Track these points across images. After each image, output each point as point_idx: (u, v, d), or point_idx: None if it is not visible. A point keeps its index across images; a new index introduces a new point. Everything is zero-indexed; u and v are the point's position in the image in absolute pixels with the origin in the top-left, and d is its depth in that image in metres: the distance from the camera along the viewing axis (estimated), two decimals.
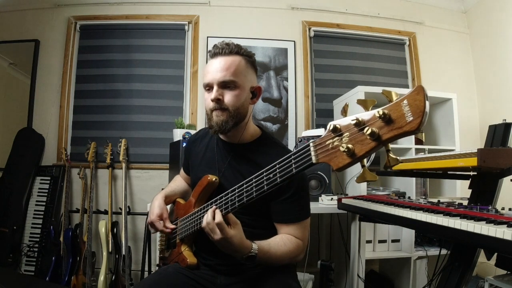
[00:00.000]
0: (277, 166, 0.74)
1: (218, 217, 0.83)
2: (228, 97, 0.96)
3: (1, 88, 2.67)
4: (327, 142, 0.63)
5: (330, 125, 0.62)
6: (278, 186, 0.74)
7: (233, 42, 1.01)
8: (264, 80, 2.65)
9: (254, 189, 0.79)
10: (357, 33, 2.79)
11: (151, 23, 2.66)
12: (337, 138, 0.61)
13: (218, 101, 0.96)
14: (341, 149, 0.59)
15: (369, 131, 0.55)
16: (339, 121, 0.61)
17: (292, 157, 0.70)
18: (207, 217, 0.86)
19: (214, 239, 0.85)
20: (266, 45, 2.69)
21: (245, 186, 0.82)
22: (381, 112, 0.54)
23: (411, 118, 0.51)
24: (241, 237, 0.86)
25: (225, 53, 0.98)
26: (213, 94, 0.96)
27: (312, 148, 0.66)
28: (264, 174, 0.77)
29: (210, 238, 0.86)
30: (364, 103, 0.59)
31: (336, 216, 2.18)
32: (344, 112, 0.64)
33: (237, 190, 0.83)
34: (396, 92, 0.56)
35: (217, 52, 0.99)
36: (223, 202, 0.87)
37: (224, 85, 0.96)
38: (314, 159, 0.65)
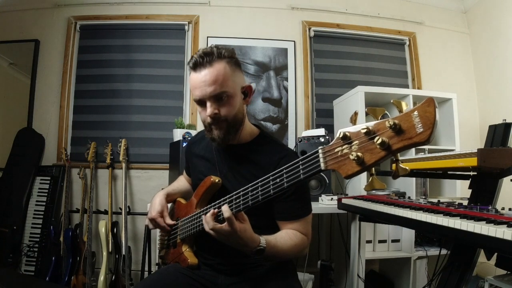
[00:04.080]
0: (284, 171, 0.73)
1: (228, 213, 0.81)
2: (224, 109, 0.94)
3: (1, 88, 2.67)
4: (336, 149, 0.63)
5: (340, 132, 0.62)
6: (285, 190, 0.74)
7: (211, 47, 0.95)
8: (264, 80, 2.65)
9: (260, 193, 0.78)
10: (357, 33, 2.79)
11: (151, 23, 2.66)
12: (346, 145, 0.62)
13: (215, 115, 0.94)
14: (351, 157, 0.59)
15: (380, 140, 0.56)
16: (349, 129, 0.62)
17: (300, 162, 0.70)
18: (208, 223, 0.84)
19: (224, 234, 0.82)
20: (266, 45, 2.69)
21: (250, 189, 0.81)
22: (391, 122, 0.55)
23: (421, 130, 0.52)
24: (251, 232, 0.85)
25: (207, 62, 0.92)
26: (209, 110, 0.93)
27: (321, 155, 0.66)
28: (271, 178, 0.76)
29: (218, 237, 0.83)
30: (374, 112, 0.61)
31: (336, 216, 2.18)
32: (353, 121, 0.63)
33: (242, 193, 0.83)
34: (406, 102, 0.57)
35: (199, 63, 0.92)
36: (228, 205, 0.85)
37: (216, 98, 0.93)
38: (322, 166, 0.65)
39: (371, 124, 0.59)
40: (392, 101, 0.59)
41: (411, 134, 0.53)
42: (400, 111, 0.57)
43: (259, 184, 0.79)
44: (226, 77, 0.93)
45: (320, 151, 0.66)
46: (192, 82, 0.95)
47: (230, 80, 0.94)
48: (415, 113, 0.53)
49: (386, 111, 0.63)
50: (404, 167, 0.58)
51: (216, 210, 0.86)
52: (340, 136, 0.62)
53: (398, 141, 0.55)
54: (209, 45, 0.99)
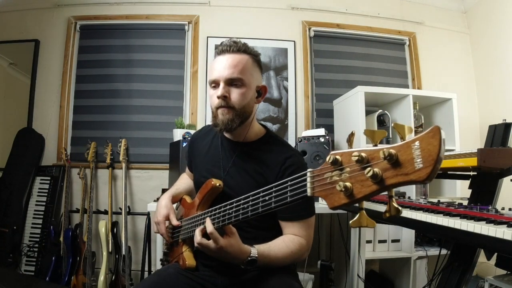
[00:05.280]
0: (274, 189, 0.70)
1: (210, 228, 0.84)
2: (235, 95, 0.96)
3: (1, 88, 2.67)
4: (325, 175, 0.57)
5: (330, 156, 0.55)
6: (273, 210, 0.71)
7: (241, 41, 1.01)
8: (264, 80, 2.65)
9: (250, 208, 0.77)
10: (357, 33, 2.79)
11: (151, 23, 2.65)
12: (336, 172, 0.55)
13: (224, 98, 0.96)
14: (338, 188, 0.53)
15: (371, 172, 0.49)
16: (341, 153, 0.55)
17: (289, 183, 0.66)
18: (196, 238, 0.87)
19: (210, 251, 0.85)
20: (266, 45, 2.69)
21: (242, 202, 0.79)
22: (386, 153, 0.47)
23: (420, 166, 0.44)
24: (238, 245, 0.86)
25: (232, 50, 0.98)
26: (220, 90, 0.96)
27: (309, 179, 0.61)
28: (261, 194, 0.74)
29: (207, 252, 0.87)
30: (372, 135, 0.53)
31: (336, 216, 2.18)
32: (349, 142, 0.58)
33: (235, 204, 0.82)
34: (410, 127, 0.50)
35: (224, 49, 0.98)
36: (221, 214, 0.86)
37: (231, 82, 0.97)
38: (309, 192, 0.60)
39: (364, 151, 0.51)
40: (392, 124, 0.53)
41: (408, 170, 0.46)
42: (402, 137, 0.49)
43: (250, 198, 0.77)
44: (246, 68, 0.98)
45: (308, 174, 0.61)
46: (213, 64, 1.00)
47: (248, 72, 0.98)
48: (416, 144, 0.45)
49: (387, 135, 0.57)
50: (397, 206, 0.51)
51: (202, 227, 0.87)
52: (330, 160, 0.55)
53: (392, 175, 0.47)
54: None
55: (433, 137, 0.44)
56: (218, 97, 0.96)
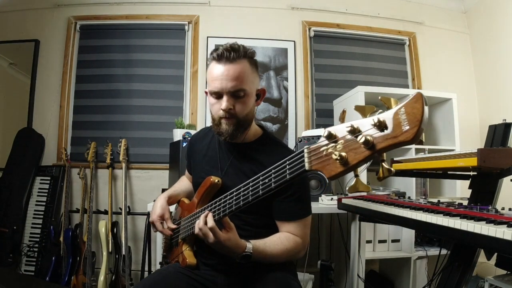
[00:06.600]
0: (273, 171, 0.73)
1: (210, 222, 0.85)
2: (239, 106, 0.96)
3: (1, 88, 2.67)
4: (321, 149, 0.60)
5: (325, 131, 0.60)
6: (273, 191, 0.73)
7: (237, 43, 0.98)
8: (264, 80, 2.65)
9: (250, 193, 0.79)
10: (357, 33, 2.79)
11: (151, 23, 2.66)
12: (331, 145, 0.59)
13: (230, 110, 0.96)
14: (334, 156, 0.56)
15: (363, 139, 0.53)
16: (335, 128, 0.59)
17: (287, 162, 0.69)
18: (198, 223, 0.88)
19: (208, 242, 0.87)
20: (266, 45, 2.69)
21: (242, 189, 0.82)
22: (376, 120, 0.52)
23: (407, 128, 0.49)
24: (236, 239, 0.88)
25: (233, 58, 0.94)
26: (225, 104, 0.94)
27: (306, 154, 0.63)
28: (260, 178, 0.76)
29: (205, 241, 0.89)
30: (362, 110, 0.58)
31: (336, 216, 2.18)
32: (342, 119, 0.61)
33: (234, 194, 0.84)
34: (396, 99, 0.54)
35: (223, 56, 0.94)
36: (221, 205, 0.87)
37: (234, 93, 0.95)
38: (307, 166, 0.63)
39: (356, 122, 0.56)
40: (380, 98, 0.57)
41: (397, 133, 0.50)
42: (389, 108, 0.53)
43: (250, 184, 0.79)
44: (247, 76, 0.96)
45: (305, 150, 0.64)
46: (213, 72, 0.96)
47: (250, 79, 0.97)
48: (402, 110, 0.50)
49: (376, 109, 0.61)
50: (387, 167, 0.55)
51: (206, 212, 0.89)
52: (325, 134, 0.59)
53: (383, 140, 0.52)
54: (232, 43, 0.99)
55: (416, 102, 0.48)
56: (224, 110, 0.95)
